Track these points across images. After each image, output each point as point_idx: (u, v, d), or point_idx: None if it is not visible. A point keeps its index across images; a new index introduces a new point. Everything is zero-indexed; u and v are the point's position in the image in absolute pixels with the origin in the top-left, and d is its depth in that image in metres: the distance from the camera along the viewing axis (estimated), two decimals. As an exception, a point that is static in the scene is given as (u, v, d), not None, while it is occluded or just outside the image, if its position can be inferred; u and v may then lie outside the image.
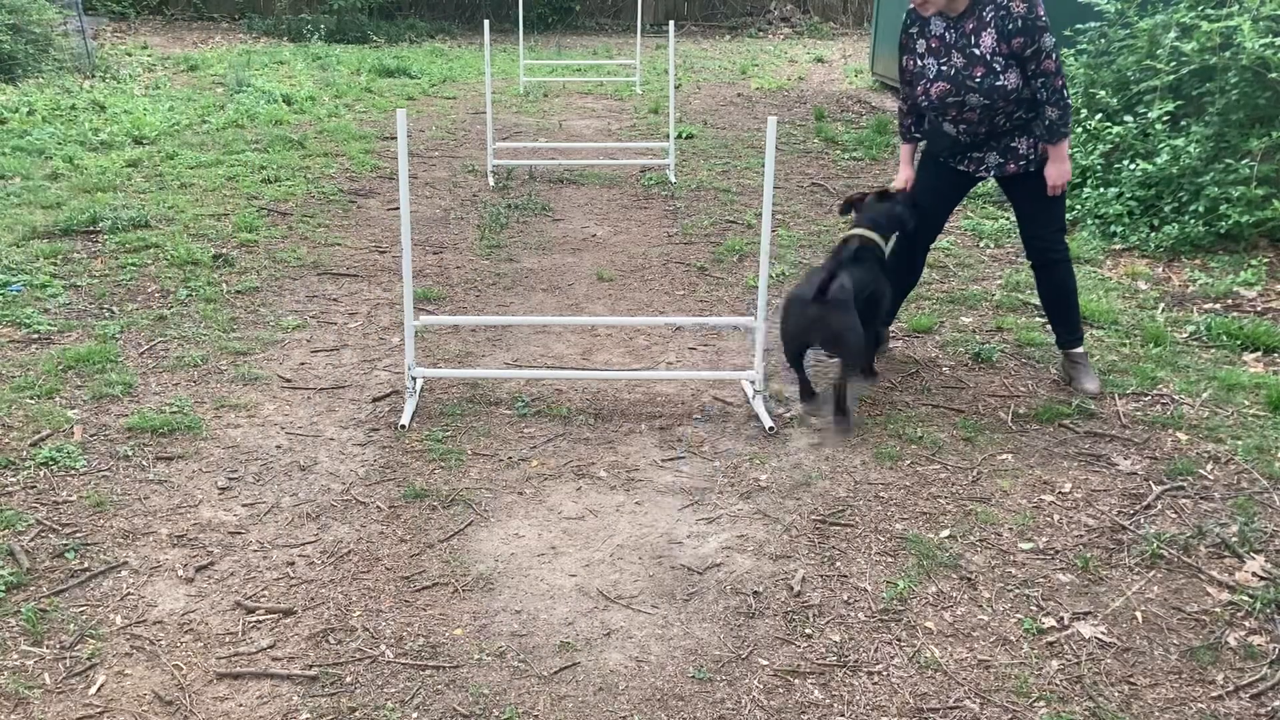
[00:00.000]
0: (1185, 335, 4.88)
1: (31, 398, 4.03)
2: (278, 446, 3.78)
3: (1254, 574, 3.08)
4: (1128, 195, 6.29)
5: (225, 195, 6.95)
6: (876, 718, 2.55)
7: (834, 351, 4.11)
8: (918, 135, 4.36)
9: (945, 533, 3.31)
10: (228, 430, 3.88)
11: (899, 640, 2.82)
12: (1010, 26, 3.83)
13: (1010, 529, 3.34)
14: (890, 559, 3.17)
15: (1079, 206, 6.51)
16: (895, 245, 4.45)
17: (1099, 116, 6.64)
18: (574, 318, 5.09)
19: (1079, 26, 7.09)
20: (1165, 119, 6.32)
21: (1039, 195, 4.11)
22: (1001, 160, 4.09)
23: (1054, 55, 3.86)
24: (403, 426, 3.91)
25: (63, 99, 9.55)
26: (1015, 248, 6.22)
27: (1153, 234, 6.07)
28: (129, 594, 2.94)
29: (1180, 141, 6.10)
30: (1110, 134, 6.49)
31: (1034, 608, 2.96)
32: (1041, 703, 2.60)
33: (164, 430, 3.83)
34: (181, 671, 2.65)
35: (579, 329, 4.94)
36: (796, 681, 2.66)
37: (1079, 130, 6.78)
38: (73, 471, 3.54)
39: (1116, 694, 2.63)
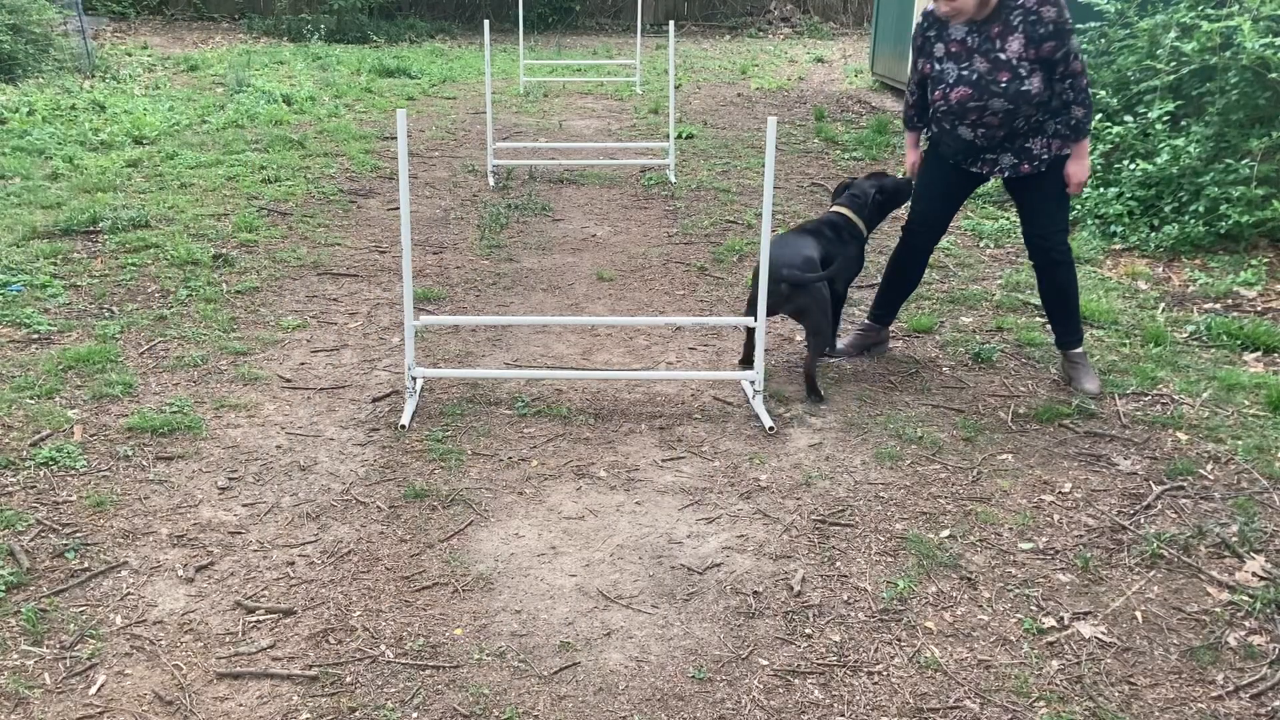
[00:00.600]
0: (1185, 335, 4.88)
1: (31, 398, 4.03)
2: (278, 446, 3.78)
3: (1254, 574, 3.08)
4: (1128, 195, 6.29)
5: (225, 195, 6.95)
6: (876, 718, 2.55)
7: (800, 322, 4.42)
8: (921, 125, 4.34)
9: (945, 533, 3.31)
10: (228, 430, 3.88)
11: (899, 640, 2.82)
12: (1041, 31, 3.80)
13: (1010, 529, 3.34)
14: (890, 559, 3.17)
15: (1079, 206, 6.51)
16: (899, 247, 4.46)
17: (1099, 116, 6.64)
18: (574, 318, 5.09)
19: (1079, 26, 7.09)
20: (1165, 119, 6.32)
21: (1047, 196, 4.11)
22: (1016, 161, 4.06)
23: (1080, 56, 3.87)
24: (403, 426, 3.91)
25: (63, 99, 9.56)
26: (1015, 248, 6.22)
27: (1153, 234, 6.07)
28: (129, 594, 2.94)
29: (1180, 141, 6.10)
30: (1110, 134, 6.49)
31: (1034, 608, 2.96)
32: (1041, 703, 2.60)
33: (164, 430, 3.83)
34: (181, 671, 2.65)
35: (579, 329, 4.94)
36: (796, 681, 2.66)
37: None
38: (73, 471, 3.54)
39: (1116, 694, 2.63)
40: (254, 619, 2.86)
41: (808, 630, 2.85)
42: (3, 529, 3.19)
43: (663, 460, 3.75)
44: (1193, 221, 5.94)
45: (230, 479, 3.55)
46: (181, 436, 3.81)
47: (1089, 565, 3.14)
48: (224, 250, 5.81)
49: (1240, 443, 3.85)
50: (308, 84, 11.31)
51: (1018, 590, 3.03)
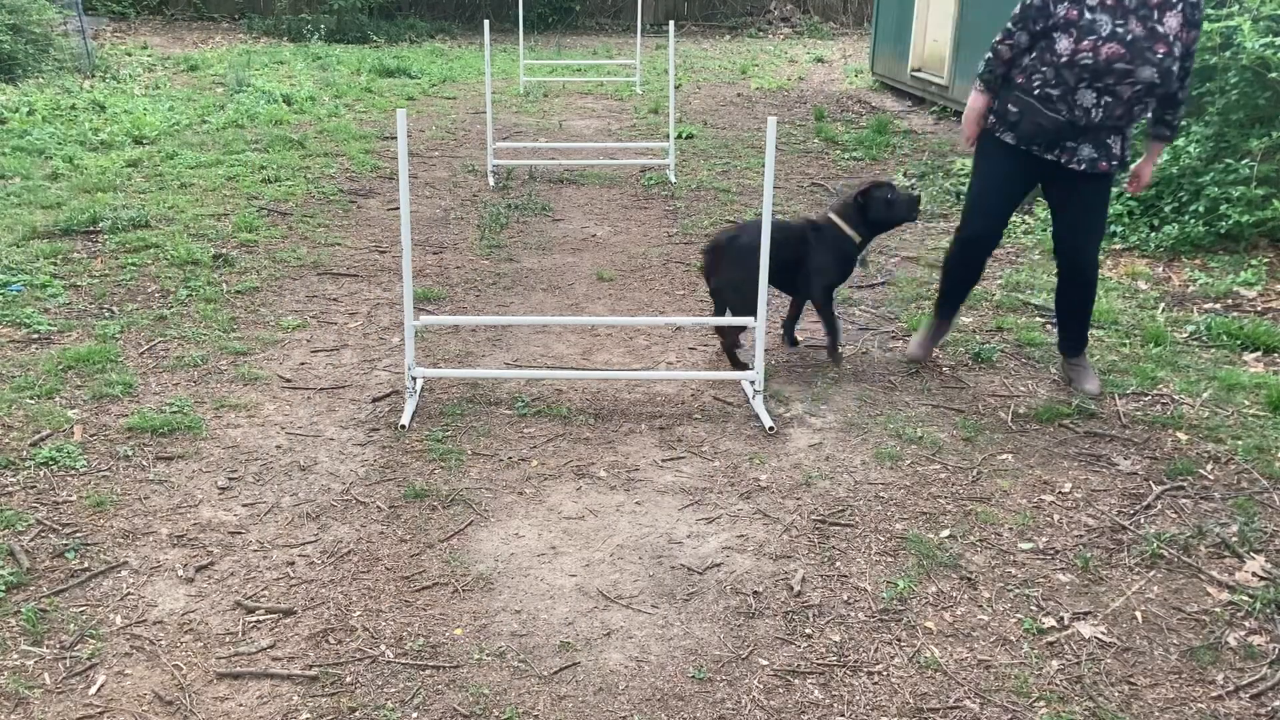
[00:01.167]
0: (1185, 335, 4.88)
1: (31, 398, 4.03)
2: (278, 446, 3.78)
3: (1254, 574, 3.08)
4: (1128, 195, 6.29)
5: (225, 195, 6.94)
6: (876, 718, 2.55)
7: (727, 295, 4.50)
8: (998, 88, 3.97)
9: (945, 533, 3.31)
10: (228, 430, 3.88)
11: (899, 640, 2.82)
12: (1196, 17, 3.68)
13: (1010, 529, 3.34)
14: (890, 559, 3.17)
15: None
16: (951, 251, 4.43)
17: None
18: (574, 318, 5.09)
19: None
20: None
21: (1094, 205, 3.96)
22: (1094, 156, 3.83)
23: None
24: (403, 426, 3.91)
25: (63, 99, 9.55)
26: (1015, 248, 6.22)
27: (1153, 234, 6.07)
28: (129, 594, 2.94)
29: (1180, 141, 6.10)
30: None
31: (1034, 608, 2.96)
32: (1041, 703, 2.60)
33: (164, 430, 3.83)
34: (181, 671, 2.65)
35: (579, 329, 4.94)
36: (796, 681, 2.66)
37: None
38: (73, 471, 3.54)
39: (1116, 694, 2.63)
40: (254, 619, 2.85)
41: (808, 630, 2.85)
42: (3, 529, 3.19)
43: (663, 460, 3.75)
44: (1193, 221, 5.94)
45: (230, 479, 3.55)
46: (181, 436, 3.81)
47: (1089, 565, 3.14)
48: (224, 250, 5.81)
49: (1240, 443, 3.85)
50: (308, 84, 11.31)
51: (1018, 590, 3.03)
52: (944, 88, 10.26)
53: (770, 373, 4.36)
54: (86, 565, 3.05)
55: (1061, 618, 2.91)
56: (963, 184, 7.49)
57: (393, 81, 12.18)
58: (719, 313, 4.56)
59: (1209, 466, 3.71)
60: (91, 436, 3.78)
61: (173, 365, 4.39)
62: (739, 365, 4.45)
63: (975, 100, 4.04)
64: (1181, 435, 3.93)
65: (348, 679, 2.64)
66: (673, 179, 7.79)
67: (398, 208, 4.96)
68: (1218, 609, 2.95)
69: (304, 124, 9.36)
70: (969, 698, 2.61)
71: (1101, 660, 2.75)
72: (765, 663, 2.72)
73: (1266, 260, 5.70)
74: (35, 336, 4.61)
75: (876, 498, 3.51)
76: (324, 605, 2.91)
